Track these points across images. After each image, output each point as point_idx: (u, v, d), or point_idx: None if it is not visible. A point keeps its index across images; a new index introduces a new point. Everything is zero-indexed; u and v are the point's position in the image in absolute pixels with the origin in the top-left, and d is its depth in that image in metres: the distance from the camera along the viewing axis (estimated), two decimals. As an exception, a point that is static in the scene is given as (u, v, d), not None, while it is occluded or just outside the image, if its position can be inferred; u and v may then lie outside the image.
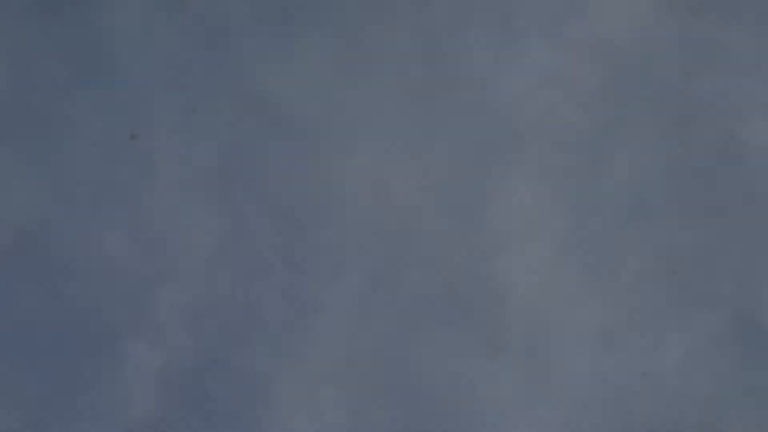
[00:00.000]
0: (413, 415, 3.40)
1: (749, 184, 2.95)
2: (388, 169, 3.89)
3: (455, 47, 4.09)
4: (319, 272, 3.68)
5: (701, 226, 2.95)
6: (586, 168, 3.44)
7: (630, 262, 3.11)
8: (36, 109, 3.27)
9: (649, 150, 3.25)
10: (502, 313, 3.50)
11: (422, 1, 3.87)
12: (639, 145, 3.28)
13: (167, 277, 3.48)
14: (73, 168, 3.33)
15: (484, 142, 3.80)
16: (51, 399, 2.90)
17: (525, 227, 3.50)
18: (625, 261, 3.12)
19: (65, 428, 2.99)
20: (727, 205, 2.94)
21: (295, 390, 3.63)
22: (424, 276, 3.62)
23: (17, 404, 2.93)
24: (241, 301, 3.85)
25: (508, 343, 3.45)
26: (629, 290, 3.07)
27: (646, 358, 2.92)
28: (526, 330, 3.39)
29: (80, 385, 2.99)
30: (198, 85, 3.85)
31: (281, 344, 3.73)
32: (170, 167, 3.64)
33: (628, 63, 3.45)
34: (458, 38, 4.12)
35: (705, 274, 2.88)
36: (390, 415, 3.39)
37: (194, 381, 3.34)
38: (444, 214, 3.72)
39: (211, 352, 3.50)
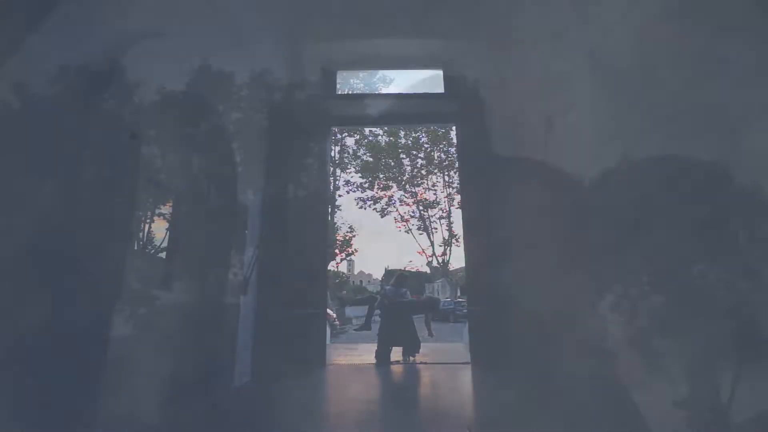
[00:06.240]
0: (416, 417, 3.45)
1: (750, 195, 2.98)
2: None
3: (458, 54, 4.08)
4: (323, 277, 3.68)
5: (702, 236, 2.98)
6: (586, 178, 3.46)
7: (631, 272, 3.14)
8: (36, 110, 3.22)
9: (650, 159, 3.28)
10: (505, 320, 3.55)
11: (425, 9, 3.84)
12: (639, 155, 3.31)
13: (170, 281, 3.46)
14: (73, 169, 3.28)
15: (484, 150, 3.81)
16: (54, 403, 2.90)
17: (526, 236, 3.52)
18: (626, 270, 3.16)
19: (69, 432, 2.99)
20: (728, 216, 2.96)
21: (299, 395, 3.65)
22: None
23: (20, 407, 2.92)
24: (244, 307, 3.84)
25: (509, 347, 3.50)
26: (630, 299, 3.11)
27: (647, 368, 2.97)
28: (527, 336, 3.43)
29: (83, 390, 2.98)
30: (198, 86, 3.80)
31: (284, 350, 3.74)
32: (171, 168, 3.61)
33: (628, 73, 3.46)
34: (460, 45, 4.11)
35: (706, 285, 2.91)
36: (393, 418, 3.43)
37: (198, 387, 3.35)
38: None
39: (216, 358, 3.50)
